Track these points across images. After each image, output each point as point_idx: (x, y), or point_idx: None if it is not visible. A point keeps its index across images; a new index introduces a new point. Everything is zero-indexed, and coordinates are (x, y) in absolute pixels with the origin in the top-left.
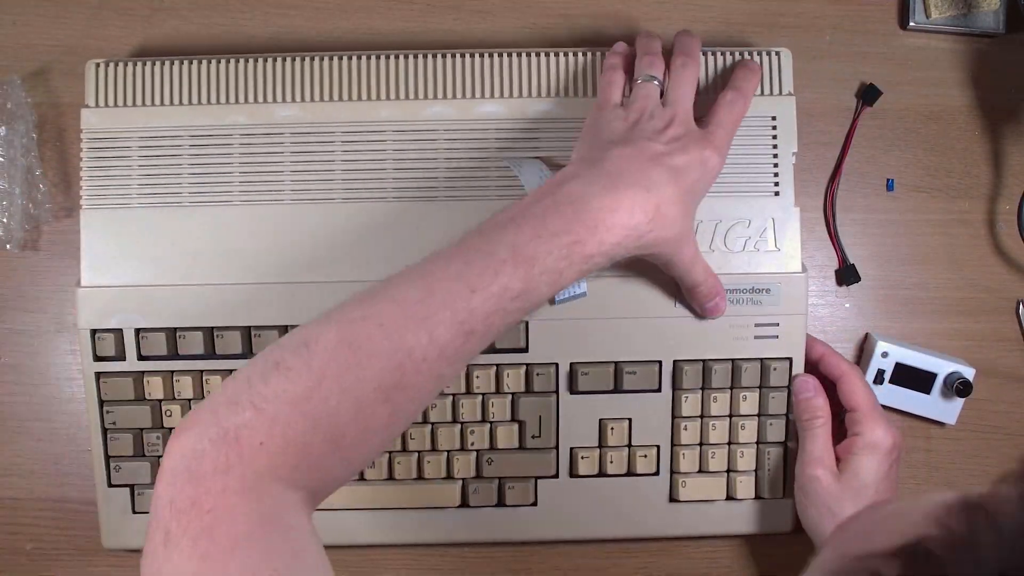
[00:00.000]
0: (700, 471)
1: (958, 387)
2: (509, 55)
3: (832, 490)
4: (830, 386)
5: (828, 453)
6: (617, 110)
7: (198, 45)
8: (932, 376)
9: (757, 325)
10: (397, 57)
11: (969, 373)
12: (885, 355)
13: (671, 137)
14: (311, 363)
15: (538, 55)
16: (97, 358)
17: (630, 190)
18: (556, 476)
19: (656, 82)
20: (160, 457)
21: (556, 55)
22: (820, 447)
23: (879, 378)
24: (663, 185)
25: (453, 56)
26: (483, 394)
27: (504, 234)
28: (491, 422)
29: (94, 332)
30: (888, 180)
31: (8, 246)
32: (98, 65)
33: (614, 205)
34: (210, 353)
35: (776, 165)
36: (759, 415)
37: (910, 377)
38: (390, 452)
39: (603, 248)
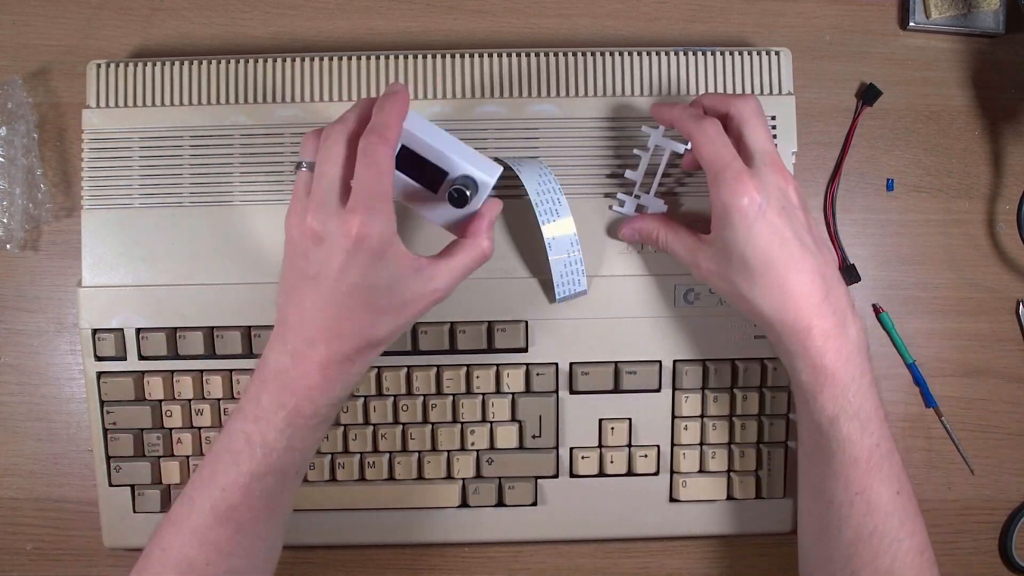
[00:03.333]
0: (700, 471)
1: (452, 194)
2: (509, 55)
3: (719, 271)
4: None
5: (694, 246)
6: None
7: (198, 45)
8: (442, 174)
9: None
10: (397, 57)
11: (482, 178)
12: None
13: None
14: None
15: (538, 55)
16: (98, 358)
17: (315, 352)
18: (556, 476)
19: (304, 165)
20: (160, 457)
21: (556, 55)
22: (683, 251)
23: None
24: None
25: (453, 56)
26: (483, 394)
27: (236, 422)
28: (491, 422)
29: (95, 332)
30: (888, 180)
31: (8, 246)
32: (99, 65)
33: (307, 370)
34: (210, 353)
35: None
36: (759, 415)
37: (418, 167)
38: (390, 452)
39: (319, 402)
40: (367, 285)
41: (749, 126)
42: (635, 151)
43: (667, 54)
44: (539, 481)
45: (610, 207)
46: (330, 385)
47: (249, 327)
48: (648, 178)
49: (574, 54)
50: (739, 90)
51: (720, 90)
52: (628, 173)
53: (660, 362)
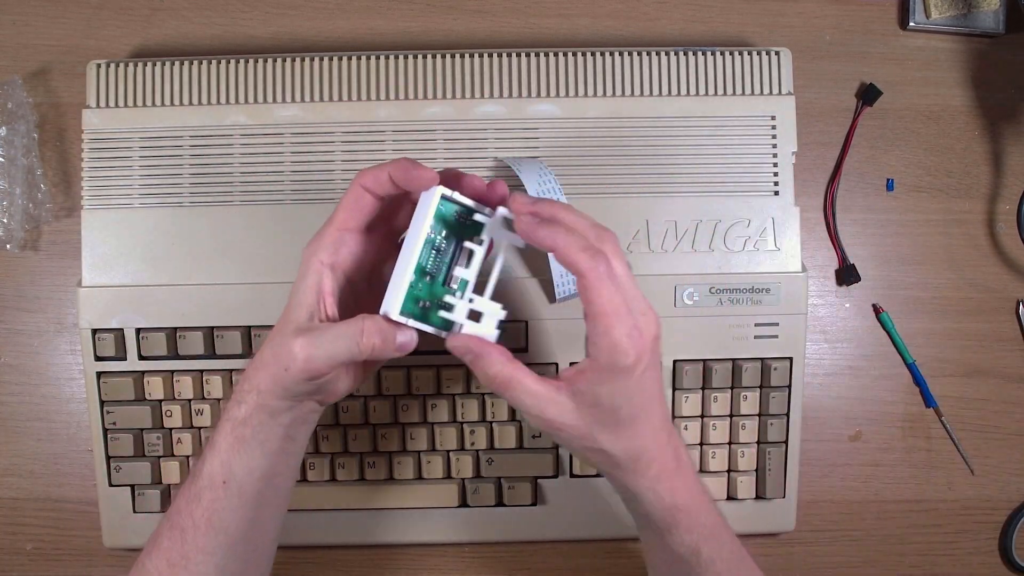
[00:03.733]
0: (700, 471)
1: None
2: (509, 55)
3: (578, 427)
4: None
5: (545, 395)
6: None
7: (198, 45)
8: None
9: (757, 325)
10: (397, 57)
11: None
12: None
13: None
14: None
15: (538, 55)
16: (98, 358)
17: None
18: (556, 476)
19: None
20: (160, 457)
21: (556, 55)
22: (530, 399)
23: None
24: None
25: (453, 56)
26: (483, 394)
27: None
28: (491, 422)
29: (95, 332)
30: (888, 180)
31: (8, 246)
32: (99, 66)
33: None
34: (210, 353)
35: (776, 165)
36: (759, 415)
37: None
38: (390, 452)
39: (250, 401)
40: (282, 320)
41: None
42: (466, 244)
43: (667, 54)
44: (539, 481)
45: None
46: (238, 384)
47: (249, 327)
48: (484, 276)
49: (574, 54)
50: (738, 90)
51: (720, 90)
52: (457, 271)
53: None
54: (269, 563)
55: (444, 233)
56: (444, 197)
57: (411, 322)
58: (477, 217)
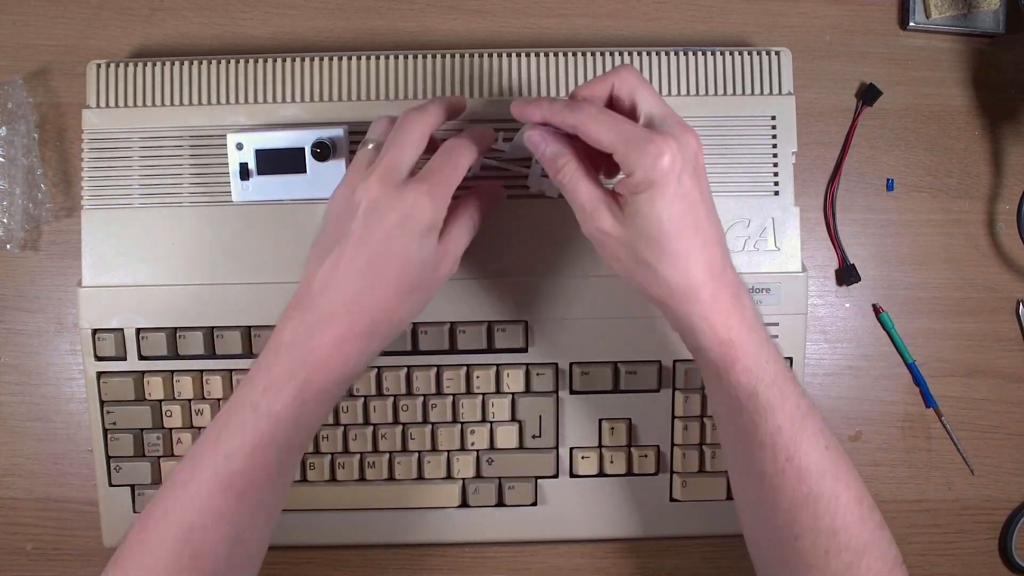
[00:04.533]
0: (700, 471)
1: (314, 150)
2: (509, 55)
3: (624, 238)
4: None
5: (600, 198)
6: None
7: (198, 45)
8: (300, 152)
9: None
10: (397, 57)
11: (334, 133)
12: (240, 147)
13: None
14: (120, 561)
15: (538, 55)
16: (98, 358)
17: (334, 324)
18: (556, 476)
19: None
20: (160, 457)
21: (556, 55)
22: (585, 195)
23: (244, 174)
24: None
25: (453, 56)
26: (483, 394)
27: (244, 391)
28: (491, 422)
29: (95, 332)
30: (888, 180)
31: (8, 246)
32: (99, 66)
33: (323, 341)
34: (210, 353)
35: (776, 165)
36: None
37: (278, 161)
38: (390, 452)
39: (331, 377)
40: (403, 261)
41: (639, 94)
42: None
43: (667, 54)
44: (539, 481)
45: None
46: (345, 360)
47: (249, 327)
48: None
49: (574, 54)
50: (738, 90)
51: (720, 90)
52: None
53: (660, 362)
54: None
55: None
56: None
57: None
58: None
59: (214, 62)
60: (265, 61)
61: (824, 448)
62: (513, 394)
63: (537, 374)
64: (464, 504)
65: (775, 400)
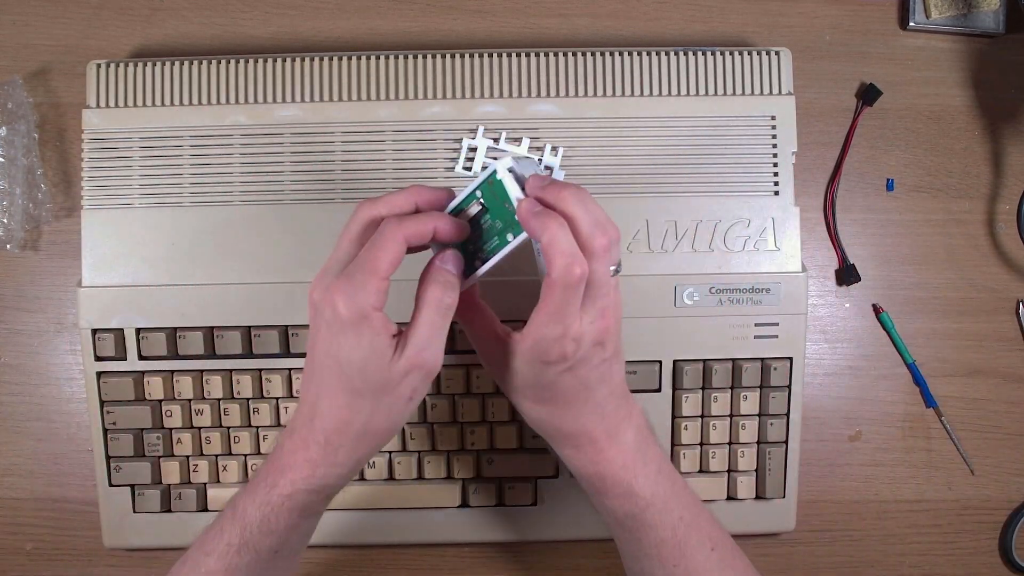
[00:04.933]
0: (700, 471)
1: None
2: (509, 55)
3: (524, 378)
4: None
5: (502, 336)
6: None
7: (198, 45)
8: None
9: (757, 325)
10: (397, 57)
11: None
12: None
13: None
14: None
15: (538, 55)
16: (98, 358)
17: (298, 431)
18: (556, 476)
19: None
20: (161, 457)
21: (556, 55)
22: (484, 332)
23: None
24: (322, 399)
25: (453, 56)
26: (483, 394)
27: (239, 494)
28: (491, 422)
29: (95, 332)
30: (888, 180)
31: (8, 246)
32: (99, 66)
33: (289, 447)
34: (210, 353)
35: (776, 165)
36: (759, 415)
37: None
38: (390, 452)
39: (298, 484)
40: (336, 363)
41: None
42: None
43: (667, 54)
44: (539, 481)
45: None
46: (311, 467)
47: (249, 327)
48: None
49: (574, 54)
50: (738, 90)
51: (720, 90)
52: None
53: (660, 362)
54: None
55: (485, 204)
56: (510, 169)
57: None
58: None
59: (214, 62)
60: (265, 61)
61: (711, 550)
62: None
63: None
64: (464, 504)
65: (655, 519)
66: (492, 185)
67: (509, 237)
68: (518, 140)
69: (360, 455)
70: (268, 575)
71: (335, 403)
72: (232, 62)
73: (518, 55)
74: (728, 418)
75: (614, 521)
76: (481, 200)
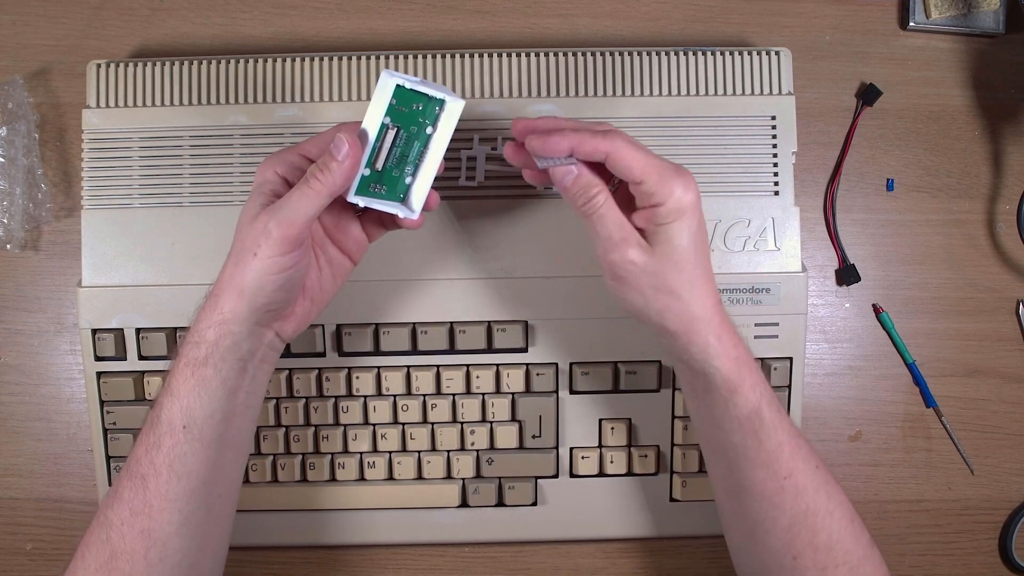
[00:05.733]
0: (700, 471)
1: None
2: (509, 55)
3: (650, 267)
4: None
5: (628, 229)
6: None
7: (198, 45)
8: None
9: (757, 325)
10: (397, 57)
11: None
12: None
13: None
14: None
15: (538, 55)
16: (98, 358)
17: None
18: (556, 476)
19: None
20: None
21: (556, 55)
22: (614, 226)
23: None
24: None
25: (453, 56)
26: (483, 394)
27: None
28: (491, 422)
29: (95, 332)
30: (888, 180)
31: (8, 246)
32: (99, 66)
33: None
34: None
35: (776, 165)
36: None
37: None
38: (390, 452)
39: (192, 338)
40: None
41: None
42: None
43: (667, 54)
44: (539, 481)
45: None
46: (199, 315)
47: None
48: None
49: (574, 54)
50: (738, 90)
51: (720, 90)
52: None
53: (660, 362)
54: (232, 509)
55: (394, 119)
56: (399, 87)
57: (366, 201)
58: (435, 94)
59: (214, 62)
60: (265, 61)
61: (815, 467)
62: (513, 394)
63: (537, 374)
64: (464, 504)
65: (776, 418)
66: (397, 102)
67: (428, 130)
68: None
69: (224, 312)
70: (191, 463)
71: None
72: (232, 62)
73: (518, 55)
74: None
75: (732, 424)
76: (390, 123)
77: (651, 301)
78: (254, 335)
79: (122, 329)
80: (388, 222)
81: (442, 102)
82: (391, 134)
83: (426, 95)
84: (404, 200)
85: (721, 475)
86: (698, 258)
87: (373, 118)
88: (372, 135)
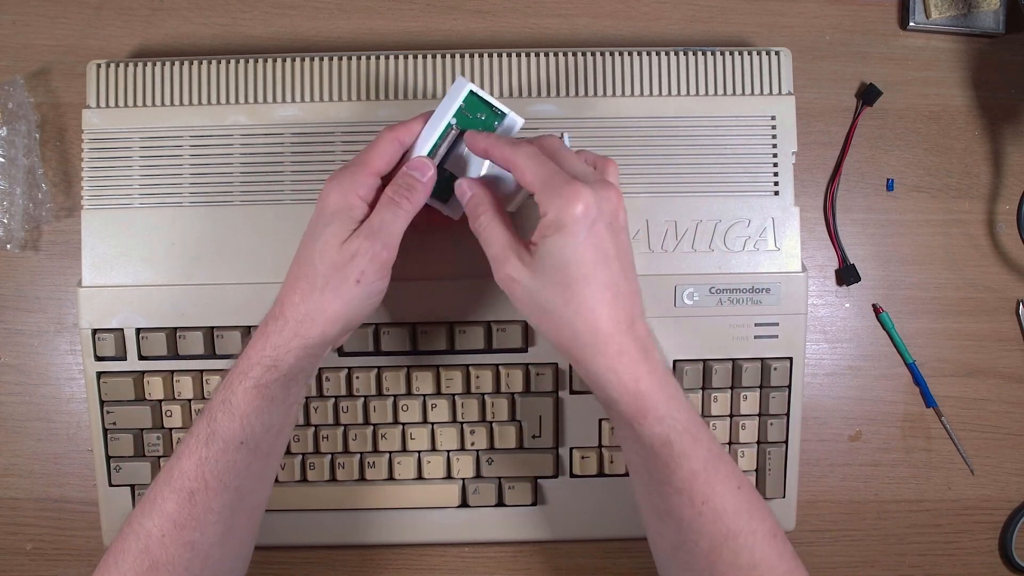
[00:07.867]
0: None
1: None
2: (509, 55)
3: (529, 284)
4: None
5: (510, 244)
6: None
7: (198, 45)
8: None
9: (757, 325)
10: (397, 57)
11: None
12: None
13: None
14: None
15: (538, 55)
16: (98, 358)
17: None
18: (556, 476)
19: None
20: (161, 457)
21: (556, 55)
22: (497, 243)
23: None
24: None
25: (453, 56)
26: (483, 394)
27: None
28: (491, 422)
29: (95, 332)
30: (888, 180)
31: (8, 246)
32: (99, 66)
33: (257, 331)
34: (210, 353)
35: (776, 165)
36: (759, 415)
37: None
38: (390, 452)
39: (252, 360)
40: (313, 244)
41: (560, 156)
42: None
43: (667, 54)
44: (539, 481)
45: None
46: (263, 341)
47: (249, 327)
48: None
49: (574, 54)
50: (738, 90)
51: (720, 90)
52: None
53: None
54: (262, 516)
55: (459, 122)
56: (472, 92)
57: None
58: (500, 108)
59: (214, 62)
60: (265, 61)
61: (737, 488)
62: (513, 394)
63: (537, 374)
64: (464, 504)
65: (688, 446)
66: (465, 106)
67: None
68: None
69: (311, 337)
70: (241, 468)
71: (296, 285)
72: (232, 62)
73: (518, 55)
74: (728, 418)
75: (647, 452)
76: (455, 125)
77: (532, 319)
78: (326, 351)
79: (122, 329)
80: (419, 223)
81: (504, 115)
82: (453, 135)
83: (492, 106)
84: (447, 201)
85: (641, 494)
86: (591, 275)
87: (441, 116)
88: (438, 131)
